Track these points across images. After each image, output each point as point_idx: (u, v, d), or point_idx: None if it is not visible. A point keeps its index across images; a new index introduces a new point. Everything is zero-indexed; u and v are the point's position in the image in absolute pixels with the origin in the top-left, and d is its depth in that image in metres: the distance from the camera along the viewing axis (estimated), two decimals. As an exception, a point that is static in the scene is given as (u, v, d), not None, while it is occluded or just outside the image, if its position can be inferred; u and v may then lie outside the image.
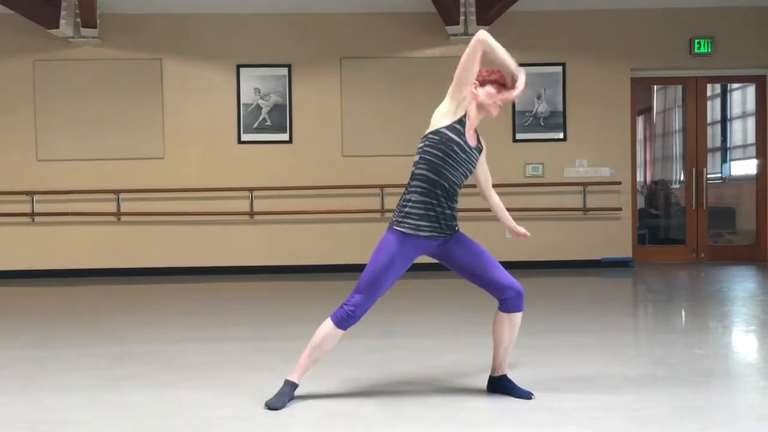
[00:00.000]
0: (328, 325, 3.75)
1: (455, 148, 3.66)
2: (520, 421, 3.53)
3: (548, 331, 5.62)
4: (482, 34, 3.60)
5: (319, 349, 3.77)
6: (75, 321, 6.56)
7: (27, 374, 4.59)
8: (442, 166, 3.67)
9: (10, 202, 9.47)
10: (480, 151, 3.82)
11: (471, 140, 3.74)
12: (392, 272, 3.70)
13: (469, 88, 3.70)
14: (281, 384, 3.84)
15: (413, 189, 3.72)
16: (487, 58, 3.65)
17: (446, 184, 3.68)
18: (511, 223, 3.96)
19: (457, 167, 3.69)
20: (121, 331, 6.00)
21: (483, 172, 3.89)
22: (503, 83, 3.73)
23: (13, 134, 9.49)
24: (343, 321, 3.72)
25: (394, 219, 3.74)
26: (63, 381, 4.36)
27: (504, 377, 3.91)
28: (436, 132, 3.69)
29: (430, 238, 3.71)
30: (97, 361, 4.85)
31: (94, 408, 3.81)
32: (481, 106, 3.75)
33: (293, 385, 3.82)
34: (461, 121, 3.69)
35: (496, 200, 3.96)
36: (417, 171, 3.72)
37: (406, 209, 3.70)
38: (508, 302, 3.77)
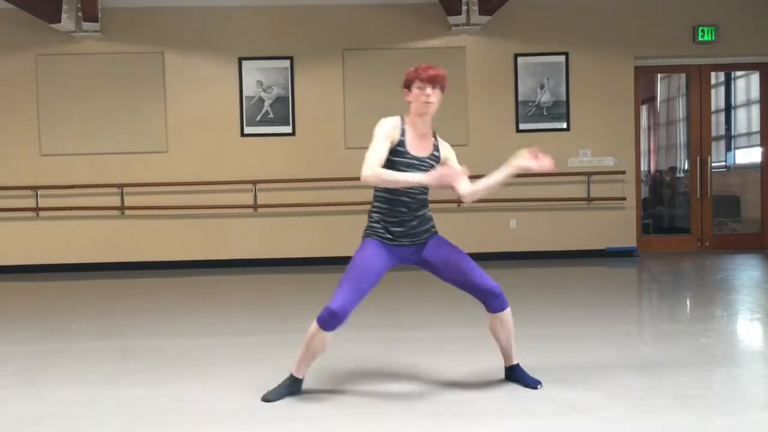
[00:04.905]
0: (313, 326, 3.69)
1: (402, 168, 3.68)
2: (525, 412, 3.52)
3: (552, 322, 5.61)
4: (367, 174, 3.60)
5: (311, 348, 3.73)
6: (78, 315, 6.58)
7: (31, 369, 4.60)
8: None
9: (14, 197, 9.49)
10: (436, 158, 3.79)
11: (421, 151, 3.75)
12: (370, 275, 3.69)
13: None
14: (283, 377, 3.86)
15: (374, 206, 3.86)
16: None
17: (405, 199, 3.73)
18: (508, 170, 3.72)
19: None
20: (124, 325, 6.01)
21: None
22: (423, 78, 3.69)
23: (17, 129, 9.50)
24: (326, 322, 3.64)
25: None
26: (66, 376, 4.36)
27: (515, 367, 3.95)
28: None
29: (398, 245, 3.78)
30: (101, 356, 4.86)
31: (98, 403, 3.81)
32: (417, 111, 3.73)
33: (294, 379, 3.83)
34: (401, 142, 3.72)
35: (480, 186, 3.76)
36: (376, 192, 3.84)
37: (371, 222, 3.85)
38: (488, 304, 3.80)
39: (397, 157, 3.70)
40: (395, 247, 3.79)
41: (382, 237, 3.78)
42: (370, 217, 3.86)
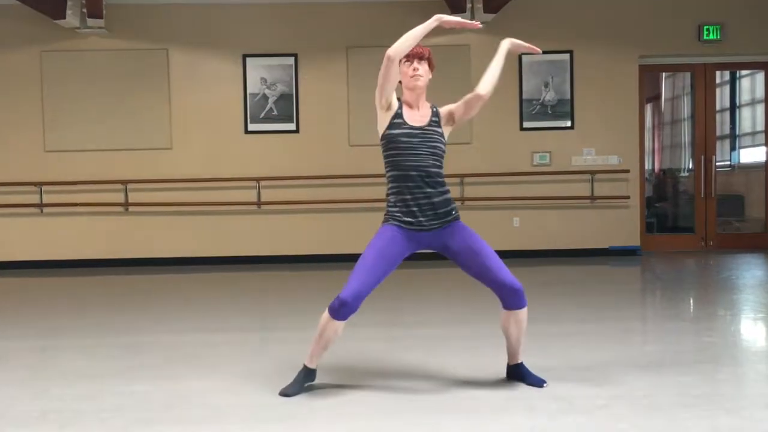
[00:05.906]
0: (324, 315, 3.71)
1: (403, 138, 3.74)
2: (527, 409, 3.52)
3: (555, 320, 5.61)
4: (390, 50, 3.62)
5: (323, 338, 3.74)
6: (82, 311, 6.59)
7: (35, 364, 4.61)
8: (403, 160, 3.74)
9: (18, 192, 9.52)
10: (437, 123, 3.82)
11: (419, 121, 3.80)
12: (383, 263, 3.68)
13: (391, 92, 3.77)
14: (288, 372, 3.89)
15: (389, 189, 3.84)
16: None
17: (414, 173, 3.72)
18: (516, 43, 4.09)
19: (417, 153, 3.73)
20: (129, 321, 6.02)
21: (471, 97, 3.88)
22: (408, 55, 3.80)
23: (21, 125, 9.52)
24: (337, 311, 3.65)
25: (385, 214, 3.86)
26: (71, 371, 4.37)
27: (519, 365, 3.94)
28: (382, 137, 3.81)
29: (419, 230, 3.75)
30: (105, 352, 4.87)
31: (102, 398, 3.82)
32: (406, 86, 3.85)
33: (308, 370, 3.85)
34: (398, 114, 3.79)
35: (489, 78, 3.99)
36: (387, 173, 3.83)
37: (389, 206, 3.82)
38: (505, 300, 3.76)
39: (396, 129, 3.75)
40: (414, 233, 3.75)
41: (400, 221, 3.75)
42: (387, 201, 3.84)
